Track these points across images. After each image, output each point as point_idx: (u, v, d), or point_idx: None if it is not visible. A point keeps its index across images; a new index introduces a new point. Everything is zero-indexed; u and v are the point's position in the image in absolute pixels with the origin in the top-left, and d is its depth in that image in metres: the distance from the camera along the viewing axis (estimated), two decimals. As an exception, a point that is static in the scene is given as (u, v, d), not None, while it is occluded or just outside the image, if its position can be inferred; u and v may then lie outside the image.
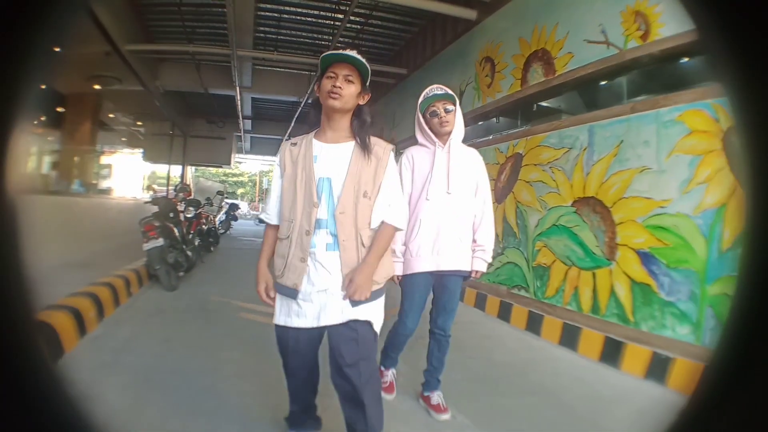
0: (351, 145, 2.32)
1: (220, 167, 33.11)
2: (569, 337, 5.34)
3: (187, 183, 15.38)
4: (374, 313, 2.35)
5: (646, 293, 4.63)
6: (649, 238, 4.62)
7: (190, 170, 26.74)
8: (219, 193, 17.79)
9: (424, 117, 3.31)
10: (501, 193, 7.30)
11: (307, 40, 12.98)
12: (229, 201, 21.63)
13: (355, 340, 2.28)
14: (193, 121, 22.17)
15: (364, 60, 2.25)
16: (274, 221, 2.45)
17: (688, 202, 4.30)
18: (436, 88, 3.30)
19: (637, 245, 4.76)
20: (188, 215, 9.97)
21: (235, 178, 58.41)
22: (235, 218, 20.57)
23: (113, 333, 4.84)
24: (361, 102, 2.33)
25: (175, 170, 22.78)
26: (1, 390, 0.60)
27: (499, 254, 7.21)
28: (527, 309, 6.24)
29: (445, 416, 3.31)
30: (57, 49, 0.62)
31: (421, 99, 3.32)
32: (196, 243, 10.02)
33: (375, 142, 2.35)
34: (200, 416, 3.14)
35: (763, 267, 0.57)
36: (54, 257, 6.91)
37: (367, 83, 2.33)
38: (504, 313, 6.65)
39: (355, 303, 2.26)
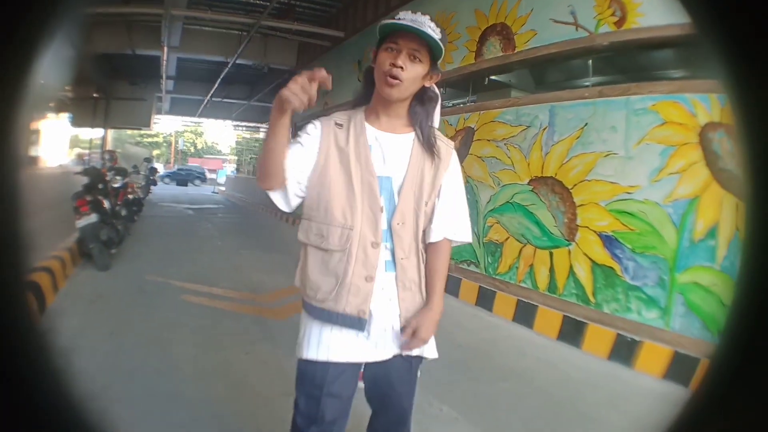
0: (410, 137, 1.81)
1: (140, 129, 31.73)
2: (524, 315, 5.47)
3: (114, 150, 14.71)
4: (431, 347, 1.91)
5: (609, 276, 4.77)
6: (613, 222, 4.75)
7: (111, 134, 25.56)
8: (146, 159, 17.15)
9: None
10: (449, 167, 7.27)
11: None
12: (149, 158, 20.88)
13: (408, 371, 1.88)
14: (117, 84, 21.11)
15: (438, 35, 1.66)
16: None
17: (658, 191, 4.43)
18: None
19: (599, 228, 4.88)
20: (115, 185, 9.61)
21: (150, 139, 56.32)
22: (155, 183, 19.84)
23: (57, 328, 4.46)
24: (427, 84, 1.79)
25: (95, 134, 21.89)
26: None
27: (447, 228, 7.24)
28: (477, 284, 6.32)
29: None
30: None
31: None
32: (123, 214, 9.63)
33: (438, 136, 1.86)
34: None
35: (765, 264, 0.55)
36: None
37: (439, 62, 1.76)
38: (452, 287, 6.68)
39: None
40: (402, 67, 1.64)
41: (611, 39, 4.98)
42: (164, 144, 61.22)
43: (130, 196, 11.31)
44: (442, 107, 6.53)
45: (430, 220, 1.83)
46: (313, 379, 1.74)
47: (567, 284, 5.18)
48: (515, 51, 6.23)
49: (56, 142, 20.09)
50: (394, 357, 1.79)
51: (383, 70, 1.67)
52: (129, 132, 42.15)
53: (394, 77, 1.65)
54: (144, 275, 6.74)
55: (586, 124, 5.10)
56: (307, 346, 1.75)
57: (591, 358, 4.55)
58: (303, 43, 14.42)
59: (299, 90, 1.49)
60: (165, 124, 48.88)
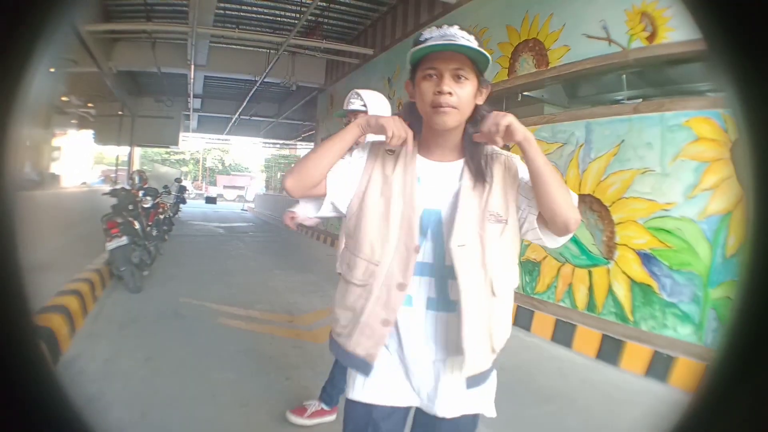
0: (462, 163, 1.67)
1: (167, 147, 32.55)
2: (563, 334, 5.63)
3: (143, 170, 15.17)
4: (487, 400, 1.76)
5: (647, 293, 4.94)
6: (651, 239, 4.92)
7: (137, 151, 26.28)
8: (177, 180, 17.59)
9: None
10: (485, 185, 7.44)
11: (268, 17, 12.96)
12: (180, 178, 21.34)
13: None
14: (142, 101, 21.90)
15: (480, 45, 1.54)
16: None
17: (692, 207, 4.62)
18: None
19: (637, 246, 5.05)
20: (146, 205, 9.85)
21: (177, 156, 57.52)
22: (184, 201, 20.28)
23: (90, 352, 4.67)
24: (479, 101, 1.63)
25: (121, 151, 22.58)
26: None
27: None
28: (515, 304, 6.44)
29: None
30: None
31: None
32: (154, 234, 9.95)
33: (493, 155, 1.69)
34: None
35: (766, 268, 0.60)
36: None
37: (485, 73, 1.61)
38: (489, 308, 6.86)
39: (470, 383, 1.63)
40: (450, 93, 1.51)
41: (644, 54, 5.16)
42: (192, 161, 62.38)
43: (161, 216, 11.60)
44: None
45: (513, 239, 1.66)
46: (357, 421, 1.71)
47: (606, 303, 5.34)
48: (549, 67, 6.43)
49: (80, 159, 20.75)
50: (446, 420, 1.66)
51: (429, 102, 1.54)
52: (155, 150, 43.28)
53: (445, 105, 1.51)
54: (178, 298, 6.86)
55: (623, 141, 5.27)
56: (352, 386, 1.70)
57: (629, 375, 4.71)
58: (331, 60, 14.76)
59: (401, 130, 1.58)
60: (192, 142, 49.90)
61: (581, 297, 5.66)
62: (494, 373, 1.75)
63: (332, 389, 3.46)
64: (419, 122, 1.67)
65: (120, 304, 6.49)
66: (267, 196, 34.32)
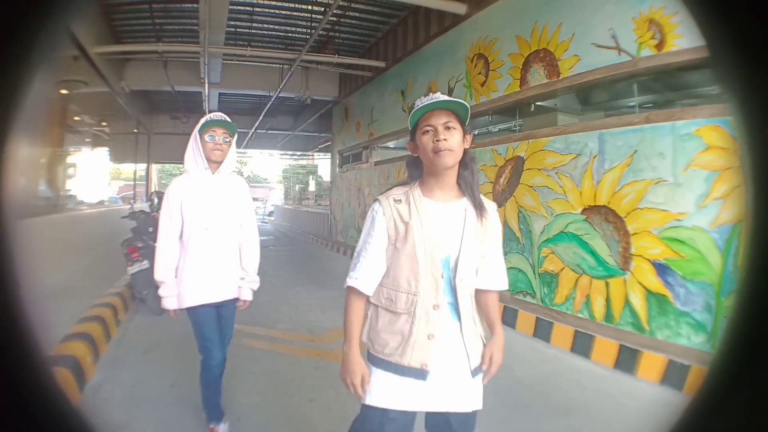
0: (462, 204, 2.16)
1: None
2: (582, 345, 5.73)
3: (162, 191, 15.39)
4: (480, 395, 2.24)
5: (662, 303, 5.03)
6: (665, 249, 5.01)
7: (155, 168, 26.77)
8: None
9: (201, 139, 3.43)
10: (501, 197, 7.63)
11: (279, 34, 13.18)
12: None
13: (467, 416, 2.21)
14: (157, 118, 22.42)
15: (461, 101, 2.06)
16: (369, 290, 2.19)
17: (704, 217, 4.70)
18: (217, 115, 3.45)
19: (652, 256, 5.14)
20: None
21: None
22: None
23: (115, 378, 4.80)
24: (466, 146, 2.13)
25: (139, 168, 23.05)
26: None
27: (501, 259, 7.51)
28: (534, 315, 6.60)
29: None
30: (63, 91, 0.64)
31: (202, 121, 3.45)
32: None
33: (483, 198, 2.24)
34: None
35: (764, 269, 0.61)
36: (32, 288, 6.97)
37: (467, 123, 2.13)
38: (509, 318, 7.01)
39: (474, 372, 2.16)
40: (445, 139, 2.01)
41: (653, 62, 5.23)
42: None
43: None
44: (489, 132, 6.78)
45: (481, 272, 2.24)
46: (373, 422, 2.15)
47: (623, 313, 5.42)
48: (560, 77, 6.53)
49: (96, 177, 21.17)
50: (455, 414, 2.16)
51: (429, 149, 2.04)
52: (170, 167, 43.81)
53: (444, 148, 2.01)
54: None
55: (636, 151, 5.35)
56: (370, 393, 2.13)
57: (645, 384, 4.79)
58: (345, 73, 14.96)
59: (359, 388, 2.11)
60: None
61: (599, 308, 5.74)
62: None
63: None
64: (421, 171, 2.18)
65: (143, 327, 6.65)
66: (286, 209, 34.55)
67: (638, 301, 5.26)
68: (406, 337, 2.08)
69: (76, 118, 16.12)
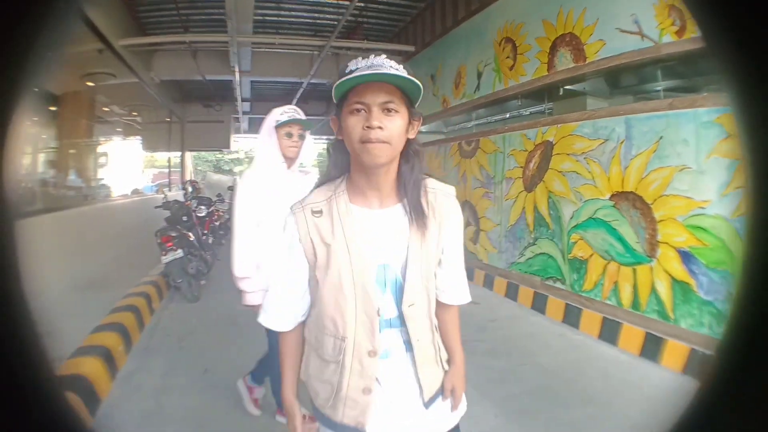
0: (405, 206, 1.66)
1: (220, 151, 33.52)
2: (609, 332, 5.83)
3: (195, 180, 15.75)
4: (453, 414, 1.89)
5: (686, 291, 5.09)
6: (689, 237, 5.05)
7: (190, 156, 27.30)
8: (230, 188, 18.21)
9: (278, 134, 3.40)
10: (531, 181, 7.71)
11: (308, 21, 13.31)
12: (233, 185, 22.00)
13: None
14: (190, 107, 22.85)
15: (408, 74, 1.49)
16: (288, 326, 1.76)
17: (726, 205, 4.71)
18: (292, 112, 3.42)
19: (677, 244, 5.19)
20: (200, 214, 10.28)
21: (231, 156, 58.92)
22: None
23: (147, 367, 5.03)
24: (411, 135, 1.60)
25: (173, 156, 23.73)
26: None
27: (531, 244, 7.66)
28: (564, 302, 6.72)
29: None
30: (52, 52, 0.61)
31: (277, 117, 3.40)
32: (211, 242, 10.39)
33: (434, 190, 1.71)
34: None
35: (765, 267, 0.61)
36: (64, 281, 7.28)
37: (417, 104, 1.58)
38: (538, 304, 7.19)
39: (428, 404, 1.75)
40: (380, 126, 1.47)
41: (675, 48, 5.24)
42: (246, 160, 63.79)
43: (217, 223, 12.08)
44: (520, 116, 6.83)
45: (439, 283, 1.79)
46: None
47: (649, 301, 5.48)
48: (586, 62, 6.56)
49: (129, 166, 21.73)
50: None
51: (357, 138, 1.49)
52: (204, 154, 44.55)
53: (376, 140, 1.47)
54: (234, 305, 7.08)
55: (661, 137, 5.38)
56: None
57: (668, 373, 4.88)
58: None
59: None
60: (245, 141, 50.99)
61: (626, 295, 5.80)
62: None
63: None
64: (348, 163, 1.65)
65: (177, 315, 6.92)
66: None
67: (664, 289, 5.32)
68: (335, 390, 1.65)
69: (106, 109, 16.60)
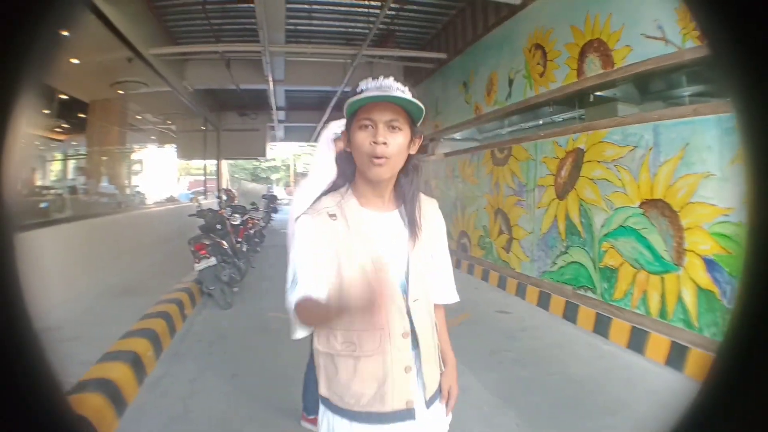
0: (402, 212, 1.88)
1: (257, 159, 34.02)
2: (637, 342, 5.82)
3: (230, 189, 16.06)
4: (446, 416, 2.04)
5: (710, 300, 5.07)
6: (714, 245, 5.03)
7: (226, 164, 27.83)
8: (264, 197, 18.51)
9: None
10: (562, 189, 7.72)
11: (340, 29, 13.46)
12: (267, 194, 22.27)
13: None
14: (226, 115, 23.38)
15: (413, 97, 1.67)
16: (319, 295, 1.71)
17: (749, 213, 4.65)
18: None
19: (703, 252, 5.17)
20: (235, 222, 10.48)
21: (268, 164, 59.75)
22: (275, 210, 21.08)
23: (176, 372, 5.20)
24: (412, 151, 1.80)
25: (209, 164, 24.35)
26: None
27: (563, 253, 7.66)
28: (595, 311, 6.71)
29: None
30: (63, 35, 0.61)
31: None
32: (245, 249, 10.59)
33: (420, 199, 1.91)
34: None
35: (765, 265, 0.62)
36: (97, 287, 7.62)
37: (419, 124, 1.77)
38: (570, 313, 7.19)
39: (429, 403, 1.89)
40: (385, 143, 1.65)
41: (698, 54, 5.20)
42: (283, 168, 64.51)
43: (251, 231, 12.27)
44: (551, 123, 6.87)
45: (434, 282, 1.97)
46: None
47: (676, 309, 5.47)
48: (614, 67, 6.56)
49: (164, 174, 22.22)
50: None
51: (364, 151, 1.68)
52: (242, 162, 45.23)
53: (380, 156, 1.65)
54: (267, 312, 7.33)
55: (688, 144, 5.37)
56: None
57: (692, 382, 4.82)
58: (408, 66, 15.15)
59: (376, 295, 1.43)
60: (281, 149, 51.59)
61: (654, 304, 5.78)
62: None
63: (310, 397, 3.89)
64: (352, 173, 1.85)
65: (209, 321, 7.10)
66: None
67: (689, 297, 5.30)
68: (383, 380, 1.75)
69: (138, 117, 17.01)
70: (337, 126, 3.45)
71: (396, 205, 1.88)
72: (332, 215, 1.79)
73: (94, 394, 3.95)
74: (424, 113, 1.71)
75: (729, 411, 0.64)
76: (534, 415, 4.27)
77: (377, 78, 1.70)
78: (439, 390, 1.95)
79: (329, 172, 3.32)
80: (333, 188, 1.91)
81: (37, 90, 0.62)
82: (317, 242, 1.77)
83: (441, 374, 1.97)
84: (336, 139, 3.41)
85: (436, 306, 2.01)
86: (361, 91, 1.67)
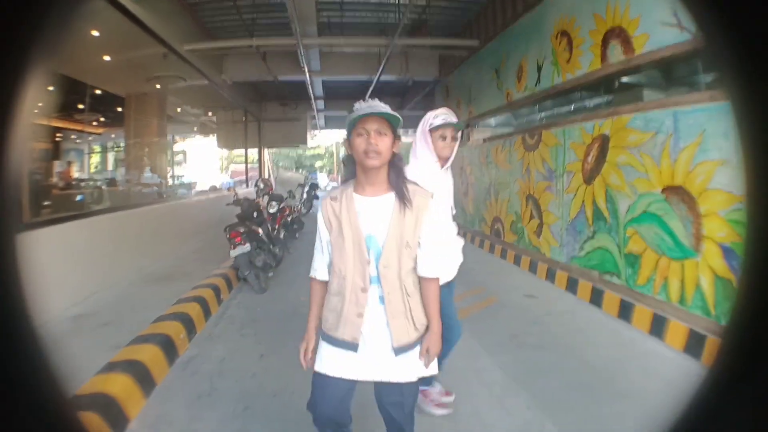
0: (391, 197, 2.47)
1: (298, 147, 34.52)
2: (658, 328, 5.81)
3: (267, 178, 16.31)
4: (421, 368, 2.55)
5: (726, 288, 5.03)
6: (730, 232, 4.98)
7: (267, 153, 28.22)
8: (300, 185, 18.74)
9: (432, 137, 3.70)
10: (589, 174, 7.70)
11: (372, 20, 13.57)
12: (307, 182, 22.49)
13: (401, 402, 2.60)
14: (266, 106, 23.79)
15: (392, 111, 2.36)
16: (323, 277, 2.65)
17: (764, 200, 4.60)
18: (446, 116, 3.67)
19: (719, 239, 5.13)
20: (271, 210, 10.68)
21: (312, 152, 60.24)
22: (317, 197, 21.31)
23: (207, 353, 5.37)
24: (395, 149, 2.47)
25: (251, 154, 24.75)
26: None
27: (590, 238, 7.66)
28: (619, 296, 6.70)
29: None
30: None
31: (431, 119, 3.70)
32: (282, 236, 10.83)
33: (414, 190, 2.48)
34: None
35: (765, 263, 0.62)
36: (137, 273, 7.95)
37: (398, 130, 2.45)
38: (596, 299, 7.17)
39: (397, 351, 2.49)
40: (376, 143, 2.33)
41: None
42: (326, 155, 65.03)
43: (288, 218, 12.47)
44: (579, 109, 6.85)
45: (415, 259, 2.52)
46: (317, 385, 2.59)
47: (694, 296, 5.44)
48: (635, 54, 6.52)
49: (207, 164, 22.62)
50: (386, 384, 2.54)
51: (362, 151, 2.36)
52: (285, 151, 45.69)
53: (372, 152, 2.34)
54: (300, 296, 7.52)
55: (704, 130, 5.32)
56: (320, 362, 2.57)
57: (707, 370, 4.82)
58: (443, 54, 15.17)
59: (302, 354, 2.62)
60: (325, 137, 52.08)
61: (674, 290, 5.76)
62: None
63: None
64: (354, 168, 2.51)
65: (244, 305, 7.31)
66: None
67: (707, 285, 5.27)
68: (339, 314, 2.47)
69: (178, 110, 17.39)
70: (433, 116, 3.71)
71: (386, 190, 2.49)
72: (334, 198, 2.51)
73: (121, 374, 4.13)
74: (401, 122, 2.39)
75: (734, 398, 0.67)
76: (546, 398, 4.30)
77: (366, 100, 2.40)
78: (414, 345, 2.52)
79: (427, 159, 3.76)
80: (344, 182, 2.59)
81: (43, 82, 0.63)
82: (324, 218, 2.54)
83: (423, 336, 2.54)
84: (432, 129, 3.67)
85: (428, 280, 2.55)
86: (357, 110, 2.35)
